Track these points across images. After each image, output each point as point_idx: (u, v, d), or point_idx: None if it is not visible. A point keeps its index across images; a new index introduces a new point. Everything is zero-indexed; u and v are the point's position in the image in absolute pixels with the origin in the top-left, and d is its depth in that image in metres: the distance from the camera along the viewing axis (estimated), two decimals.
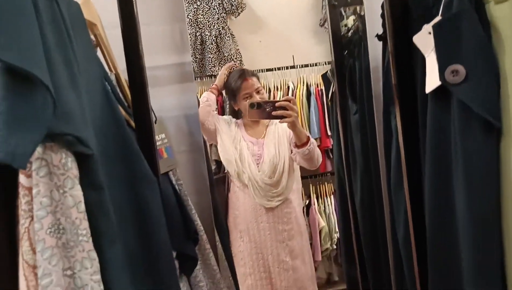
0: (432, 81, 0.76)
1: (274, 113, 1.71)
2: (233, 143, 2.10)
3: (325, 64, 3.52)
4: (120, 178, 0.75)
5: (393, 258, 1.20)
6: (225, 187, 2.20)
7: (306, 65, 3.55)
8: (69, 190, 0.61)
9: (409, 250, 1.01)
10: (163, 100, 1.28)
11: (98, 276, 0.62)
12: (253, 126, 2.17)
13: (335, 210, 3.57)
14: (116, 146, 0.75)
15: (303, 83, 3.52)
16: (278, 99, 3.41)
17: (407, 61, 0.88)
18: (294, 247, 2.11)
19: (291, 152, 2.06)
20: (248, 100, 2.03)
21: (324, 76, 1.86)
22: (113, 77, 0.96)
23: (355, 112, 1.42)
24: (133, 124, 0.96)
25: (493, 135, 0.68)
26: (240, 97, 2.07)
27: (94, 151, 0.64)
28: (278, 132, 2.13)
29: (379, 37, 1.05)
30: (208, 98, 2.13)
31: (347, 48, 1.44)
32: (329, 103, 1.95)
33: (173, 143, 1.25)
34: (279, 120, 1.76)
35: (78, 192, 0.61)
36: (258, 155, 2.09)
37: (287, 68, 3.55)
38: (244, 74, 2.09)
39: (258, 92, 2.07)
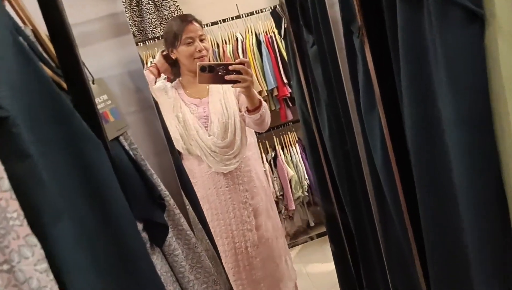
0: None
1: (227, 77, 1.56)
2: (173, 112, 1.90)
3: (271, 8, 3.38)
4: (55, 141, 0.62)
5: (372, 184, 1.15)
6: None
7: (252, 13, 3.41)
8: None
9: (390, 172, 0.95)
10: (100, 59, 1.13)
11: (44, 265, 0.51)
12: (193, 85, 1.94)
13: (302, 158, 3.56)
14: (44, 104, 0.62)
15: (252, 32, 3.38)
16: (230, 58, 3.26)
17: None
18: (258, 205, 2.01)
19: (240, 112, 1.92)
20: (190, 47, 1.85)
21: (273, 13, 1.74)
22: (29, 32, 0.81)
23: (312, 44, 1.32)
24: (64, 85, 0.82)
25: (475, 25, 0.60)
26: (181, 41, 1.84)
27: (11, 113, 0.51)
28: (223, 87, 1.94)
29: None
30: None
31: None
32: (282, 41, 1.82)
33: (120, 104, 1.12)
34: (232, 84, 1.60)
35: None
36: (205, 117, 1.90)
37: (232, 19, 3.39)
38: (189, 17, 1.89)
39: (201, 40, 1.88)
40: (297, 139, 3.63)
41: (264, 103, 1.81)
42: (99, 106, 0.96)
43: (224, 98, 1.92)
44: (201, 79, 1.58)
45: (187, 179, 1.32)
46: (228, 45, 3.33)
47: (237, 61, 1.61)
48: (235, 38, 3.36)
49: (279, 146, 3.59)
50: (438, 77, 0.66)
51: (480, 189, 0.65)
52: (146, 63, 3.16)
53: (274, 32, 3.34)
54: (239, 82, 1.58)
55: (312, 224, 3.76)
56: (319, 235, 3.64)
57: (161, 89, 1.96)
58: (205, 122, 1.90)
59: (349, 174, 1.31)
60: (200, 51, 1.85)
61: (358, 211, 1.34)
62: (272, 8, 3.37)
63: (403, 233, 0.96)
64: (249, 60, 1.63)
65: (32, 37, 0.81)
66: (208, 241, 1.27)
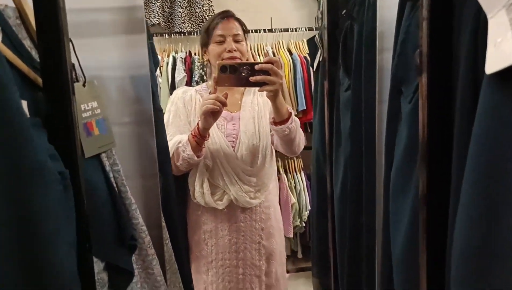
0: (498, 56, 0.49)
1: (252, 78, 1.29)
2: (190, 126, 1.56)
3: (306, 29, 3.24)
4: None
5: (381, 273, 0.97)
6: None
7: (286, 30, 3.25)
8: None
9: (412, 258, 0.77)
10: (103, 55, 0.97)
11: None
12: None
13: (306, 186, 3.38)
14: None
15: (284, 48, 3.24)
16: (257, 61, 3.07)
17: (445, 24, 0.61)
18: (272, 248, 1.67)
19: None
20: (220, 45, 1.54)
21: (310, 41, 1.57)
22: (11, 13, 0.64)
23: (347, 88, 1.15)
24: (40, 82, 0.66)
25: None
26: (212, 39, 1.56)
27: None
28: (258, 102, 1.62)
29: None
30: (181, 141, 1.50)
31: (345, 7, 1.15)
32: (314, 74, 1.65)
33: (113, 112, 0.96)
34: (259, 88, 1.32)
35: None
36: (234, 136, 1.58)
37: (265, 31, 3.24)
38: (227, 14, 1.59)
39: (236, 41, 1.55)
40: (302, 166, 3.46)
41: (295, 118, 1.49)
42: (84, 114, 0.80)
43: (258, 116, 1.60)
44: (221, 80, 1.32)
45: (174, 208, 1.15)
46: (259, 57, 3.16)
47: (265, 59, 1.33)
48: (265, 51, 3.21)
49: (283, 170, 3.41)
50: None
51: None
52: (168, 56, 3.03)
53: (308, 54, 3.18)
54: (266, 84, 1.31)
55: (300, 255, 3.59)
56: (305, 269, 3.44)
57: (179, 97, 1.63)
58: (232, 142, 1.57)
59: (355, 245, 1.12)
60: (230, 51, 1.54)
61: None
62: (307, 29, 3.24)
63: None
64: (278, 59, 1.30)
65: (13, 19, 0.64)
66: (181, 285, 1.09)
